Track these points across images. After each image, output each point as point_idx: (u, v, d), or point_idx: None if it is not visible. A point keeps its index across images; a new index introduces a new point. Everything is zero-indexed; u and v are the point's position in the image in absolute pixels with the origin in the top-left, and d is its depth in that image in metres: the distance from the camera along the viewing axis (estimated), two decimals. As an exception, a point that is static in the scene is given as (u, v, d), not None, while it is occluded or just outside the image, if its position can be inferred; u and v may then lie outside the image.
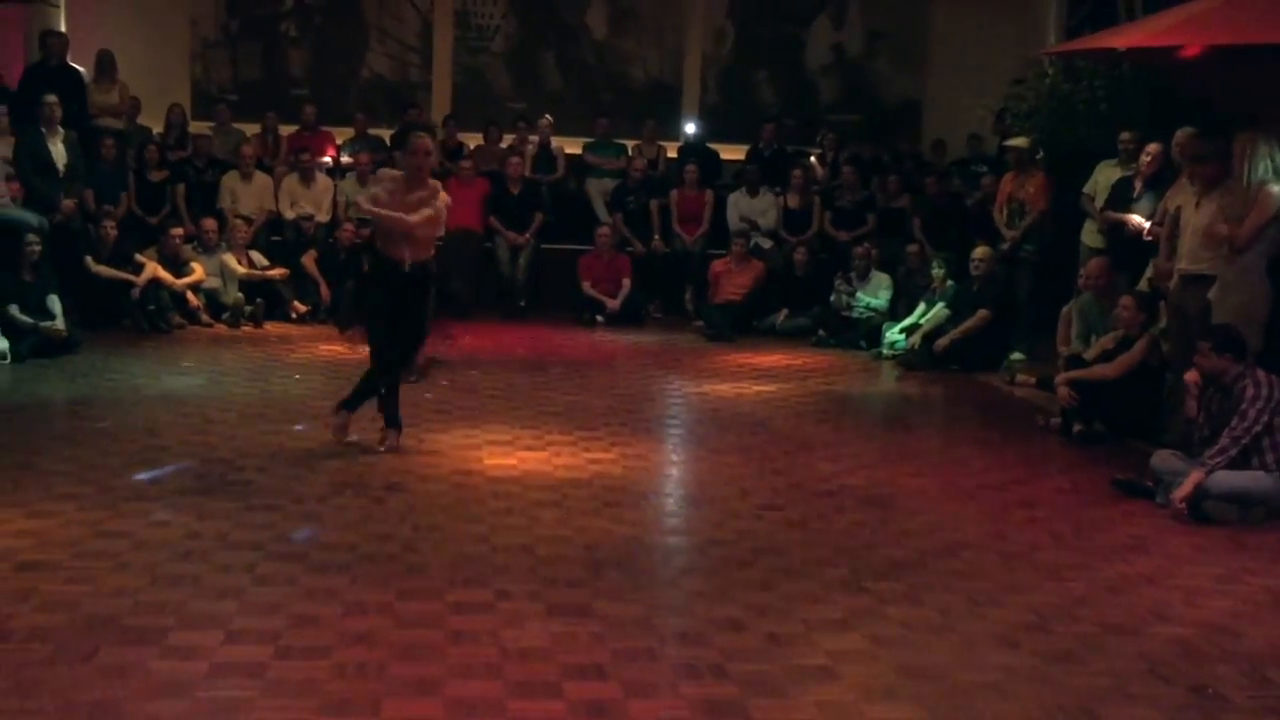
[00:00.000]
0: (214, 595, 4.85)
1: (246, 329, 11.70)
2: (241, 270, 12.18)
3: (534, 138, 14.51)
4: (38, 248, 10.22)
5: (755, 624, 4.77)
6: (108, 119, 13.26)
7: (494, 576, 5.19)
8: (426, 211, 7.01)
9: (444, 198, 7.24)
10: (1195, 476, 6.46)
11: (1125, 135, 10.26)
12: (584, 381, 9.77)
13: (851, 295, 12.24)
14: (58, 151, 11.35)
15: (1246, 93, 8.58)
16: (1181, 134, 8.94)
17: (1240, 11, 8.13)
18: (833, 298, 12.34)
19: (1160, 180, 9.33)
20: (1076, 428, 8.31)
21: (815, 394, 9.70)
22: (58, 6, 14.02)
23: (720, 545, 5.78)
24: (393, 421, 7.34)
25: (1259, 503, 6.48)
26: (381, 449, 7.21)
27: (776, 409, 9.02)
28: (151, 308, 11.36)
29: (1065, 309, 9.65)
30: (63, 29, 13.70)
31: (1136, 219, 9.42)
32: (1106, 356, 8.44)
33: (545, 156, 14.42)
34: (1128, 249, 9.48)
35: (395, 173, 7.31)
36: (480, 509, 6.19)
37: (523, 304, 13.23)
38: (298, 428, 7.52)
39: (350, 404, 7.37)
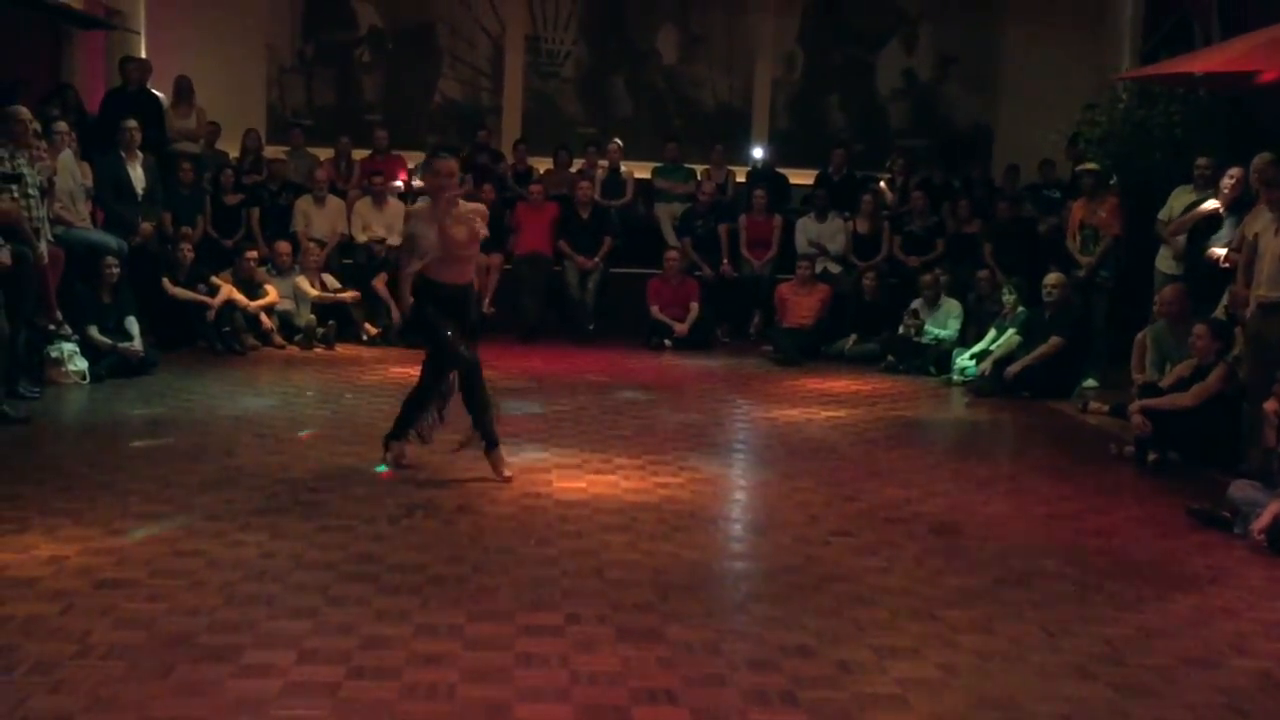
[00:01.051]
0: (288, 615, 4.90)
1: (318, 350, 11.84)
2: (314, 293, 12.33)
3: (603, 162, 14.58)
4: (116, 270, 10.40)
5: (825, 651, 4.75)
6: (185, 143, 13.49)
7: (563, 600, 5.20)
8: (460, 228, 6.93)
9: (471, 207, 7.11)
10: (1275, 507, 6.36)
11: (1201, 161, 10.15)
12: (652, 405, 9.78)
13: (919, 328, 12.17)
14: (136, 175, 11.53)
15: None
16: (1259, 159, 8.84)
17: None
18: (901, 329, 12.28)
19: (1240, 206, 9.21)
20: (1151, 457, 8.20)
21: (884, 420, 9.65)
22: (138, 33, 14.31)
23: (789, 571, 5.76)
24: (489, 440, 7.24)
25: (1340, 535, 6.36)
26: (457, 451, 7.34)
27: (845, 434, 8.98)
28: (226, 329, 11.53)
29: (1139, 336, 9.55)
30: (143, 55, 13.97)
31: (1216, 251, 9.30)
32: (1182, 385, 8.33)
33: (614, 181, 14.48)
34: (1204, 276, 9.37)
35: (420, 206, 7.33)
36: (549, 532, 6.20)
37: (591, 328, 13.28)
38: (380, 470, 7.27)
39: (396, 433, 7.37)
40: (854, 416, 9.69)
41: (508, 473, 7.12)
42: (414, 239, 7.08)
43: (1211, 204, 9.61)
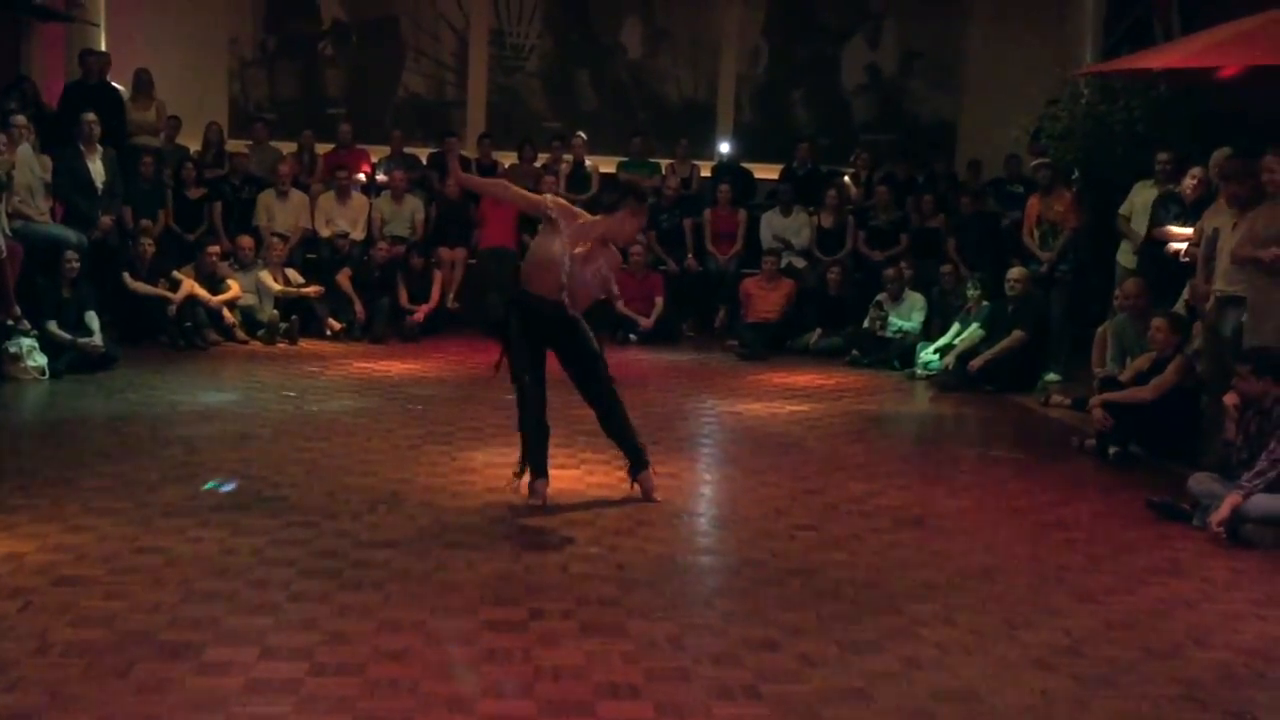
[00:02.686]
0: (249, 611, 4.87)
1: (281, 346, 11.77)
2: (277, 287, 12.26)
3: (568, 156, 14.56)
4: (76, 264, 10.31)
5: (789, 644, 4.76)
6: (146, 137, 13.40)
7: (526, 595, 5.19)
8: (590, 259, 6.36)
9: (614, 259, 6.60)
10: (1233, 500, 6.41)
11: (1162, 156, 10.22)
12: (617, 400, 9.76)
13: (884, 319, 12.22)
14: (96, 169, 11.45)
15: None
16: (1219, 154, 8.91)
17: (1277, 33, 8.12)
18: (866, 321, 12.32)
19: (1201, 202, 9.28)
20: (1112, 450, 8.26)
21: (849, 414, 9.68)
22: (97, 25, 14.19)
23: (753, 565, 5.77)
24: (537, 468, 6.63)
25: (1298, 527, 6.42)
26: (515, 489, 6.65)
27: (810, 429, 9.00)
28: (188, 324, 11.45)
29: (1100, 330, 9.61)
30: (102, 48, 13.86)
31: (1178, 231, 9.33)
32: (1141, 378, 8.39)
33: (579, 175, 14.46)
34: (1163, 270, 9.43)
35: (577, 211, 6.66)
36: (513, 527, 6.20)
37: (556, 322, 13.23)
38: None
39: (534, 469, 6.62)
40: (818, 410, 9.71)
41: (656, 497, 6.66)
42: (542, 215, 6.49)
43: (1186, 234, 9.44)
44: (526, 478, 6.57)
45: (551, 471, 6.88)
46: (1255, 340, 7.18)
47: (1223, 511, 6.40)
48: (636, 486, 6.77)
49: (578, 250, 6.35)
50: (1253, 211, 7.58)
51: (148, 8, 14.95)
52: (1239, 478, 6.53)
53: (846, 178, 14.55)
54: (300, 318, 12.13)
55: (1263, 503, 6.39)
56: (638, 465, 6.77)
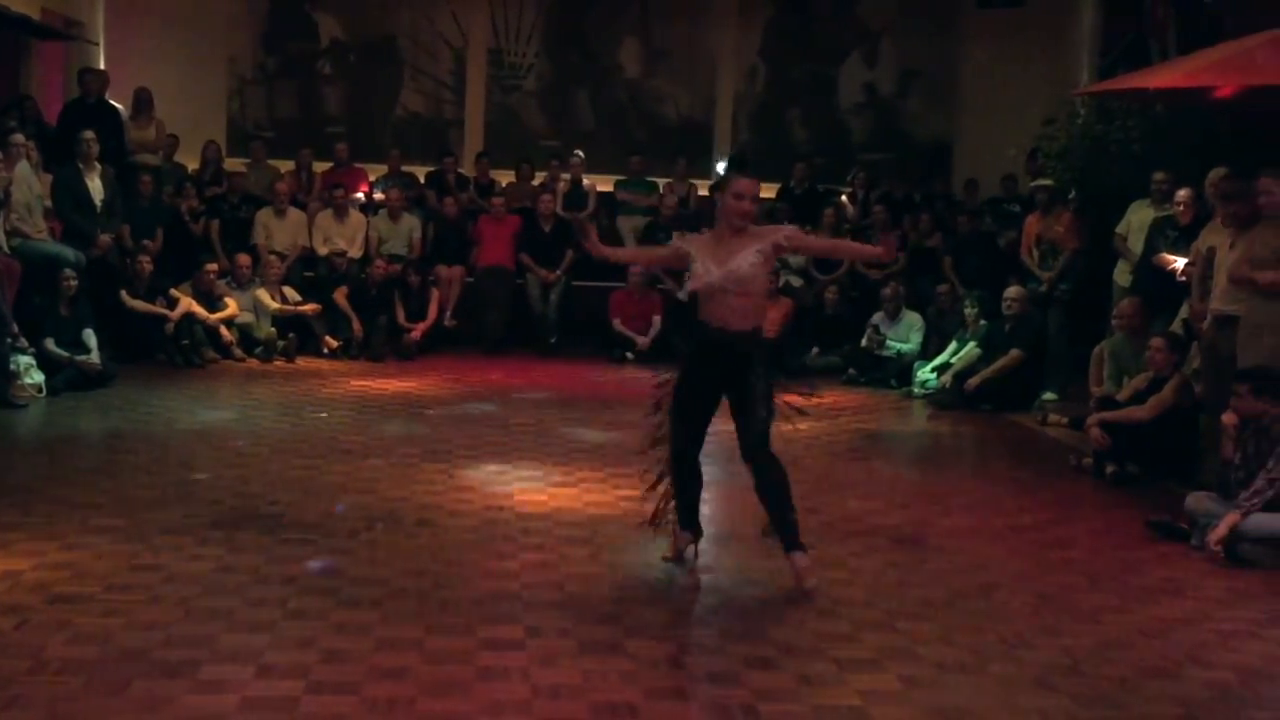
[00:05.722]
0: (246, 629, 4.86)
1: (279, 364, 11.77)
2: (274, 305, 12.26)
3: (566, 175, 14.59)
4: (74, 282, 10.30)
5: (786, 664, 4.75)
6: (144, 155, 13.40)
7: (524, 613, 5.18)
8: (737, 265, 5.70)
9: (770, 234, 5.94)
10: (1231, 519, 6.40)
11: (1159, 175, 10.24)
12: (614, 418, 9.76)
13: (882, 341, 12.22)
14: (95, 187, 11.44)
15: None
16: (1214, 174, 8.92)
17: (1273, 53, 8.14)
18: (864, 341, 12.33)
19: (1196, 223, 9.29)
20: (1109, 469, 8.25)
21: (846, 432, 9.68)
22: (96, 44, 14.23)
23: (751, 584, 5.76)
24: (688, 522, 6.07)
25: (1295, 546, 6.42)
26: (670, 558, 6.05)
27: (807, 447, 8.97)
28: (185, 342, 11.44)
29: (1097, 349, 9.62)
30: (101, 66, 13.88)
31: (1170, 258, 9.36)
32: (1139, 398, 8.39)
33: (577, 193, 14.48)
34: (1161, 289, 9.44)
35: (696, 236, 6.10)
36: (511, 545, 6.19)
37: (553, 340, 13.27)
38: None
39: (683, 520, 6.05)
40: (816, 429, 9.67)
41: (809, 583, 5.64)
42: (685, 258, 5.86)
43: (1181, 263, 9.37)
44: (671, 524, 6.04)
45: (550, 489, 6.86)
46: (1248, 359, 7.19)
47: (1221, 530, 6.39)
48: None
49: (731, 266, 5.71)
50: (1249, 232, 7.60)
51: (147, 27, 14.97)
52: (1237, 497, 6.53)
53: (844, 197, 14.56)
54: (297, 336, 12.12)
55: (1261, 522, 6.39)
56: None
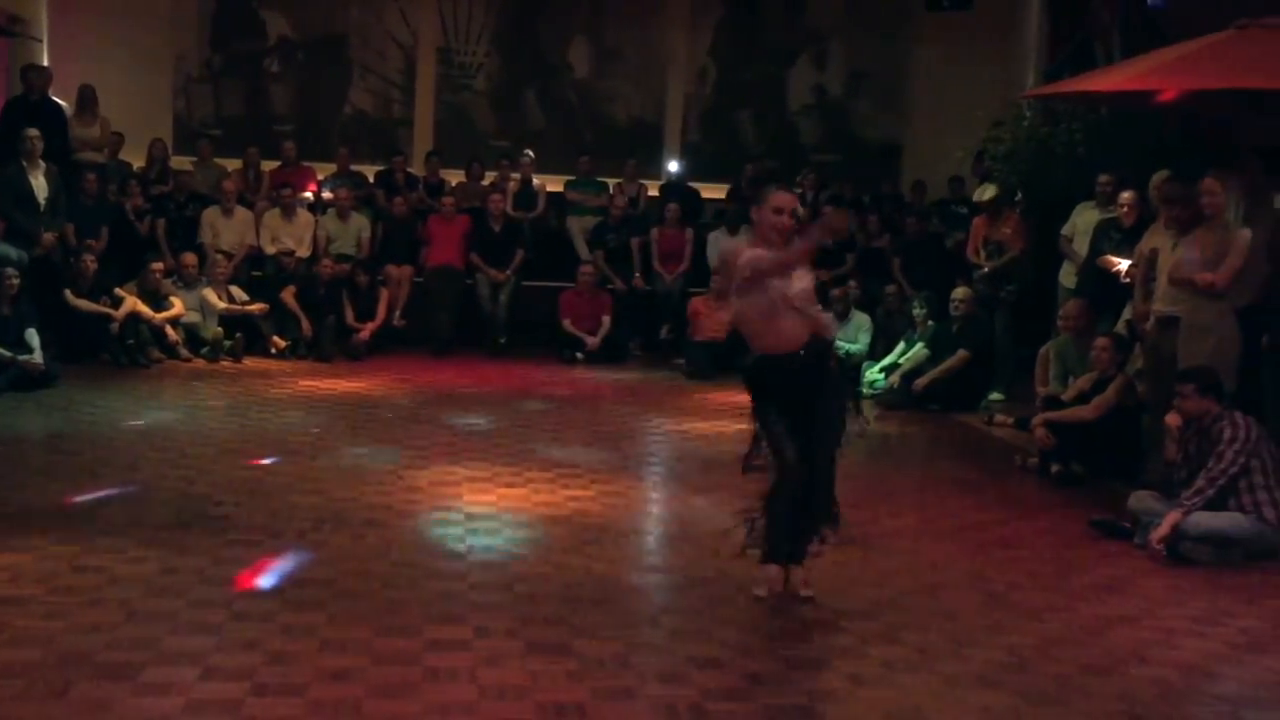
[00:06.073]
0: (190, 631, 4.82)
1: (225, 364, 11.66)
2: (221, 305, 12.15)
3: (515, 175, 14.54)
4: (16, 281, 10.18)
5: (735, 663, 4.76)
6: (89, 153, 13.24)
7: (472, 614, 5.17)
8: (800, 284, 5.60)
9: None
10: (1173, 518, 6.48)
11: (1104, 178, 10.34)
12: (563, 419, 9.76)
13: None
14: (39, 185, 11.33)
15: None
16: (1157, 177, 9.02)
17: (1215, 58, 8.24)
18: (812, 342, 12.34)
19: (1140, 226, 9.39)
20: (1054, 468, 8.33)
21: (795, 433, 9.69)
22: (40, 40, 14.05)
23: (700, 584, 5.77)
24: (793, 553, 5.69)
25: (1235, 544, 6.51)
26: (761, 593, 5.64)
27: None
28: (130, 342, 11.32)
29: (1043, 350, 9.69)
30: (45, 63, 13.70)
31: (1114, 260, 9.45)
32: (1083, 398, 8.47)
33: (527, 193, 14.44)
34: (1105, 291, 9.53)
35: (738, 244, 5.92)
36: (459, 546, 6.17)
37: (503, 340, 13.22)
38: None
39: (772, 552, 5.63)
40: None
41: (805, 592, 5.60)
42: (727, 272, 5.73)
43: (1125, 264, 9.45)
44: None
45: (499, 490, 6.81)
46: (1191, 359, 7.27)
47: (1163, 529, 6.47)
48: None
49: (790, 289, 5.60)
50: (1191, 234, 7.70)
51: (91, 23, 14.78)
52: (1179, 496, 6.61)
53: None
54: (244, 336, 12.02)
55: (1202, 521, 6.47)
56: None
